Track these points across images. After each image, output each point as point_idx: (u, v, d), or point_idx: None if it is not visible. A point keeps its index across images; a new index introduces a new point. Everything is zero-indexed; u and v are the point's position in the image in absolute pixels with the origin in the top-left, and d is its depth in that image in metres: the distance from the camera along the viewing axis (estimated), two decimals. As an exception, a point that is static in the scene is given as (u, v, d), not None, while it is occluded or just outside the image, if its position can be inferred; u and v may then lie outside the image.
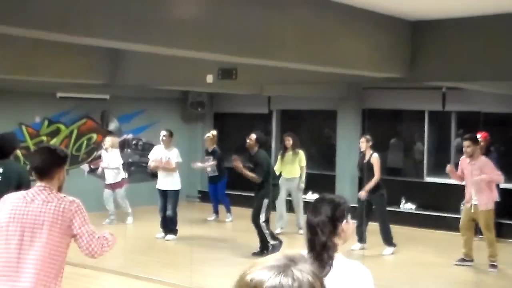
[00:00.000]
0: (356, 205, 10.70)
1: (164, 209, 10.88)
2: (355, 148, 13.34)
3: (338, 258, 3.09)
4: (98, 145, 13.31)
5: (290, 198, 11.66)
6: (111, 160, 11.98)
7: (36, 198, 4.04)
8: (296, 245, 10.70)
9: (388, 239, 10.02)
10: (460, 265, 9.22)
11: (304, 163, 11.48)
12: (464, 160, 9.23)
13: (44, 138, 12.97)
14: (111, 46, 7.05)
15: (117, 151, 12.33)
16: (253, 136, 9.77)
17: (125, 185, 12.11)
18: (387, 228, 10.03)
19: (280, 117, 15.03)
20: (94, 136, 13.69)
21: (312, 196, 13.83)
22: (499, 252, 9.23)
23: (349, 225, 3.18)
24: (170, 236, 11.01)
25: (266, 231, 9.66)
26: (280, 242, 9.74)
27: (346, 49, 6.68)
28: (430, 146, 12.98)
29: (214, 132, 12.73)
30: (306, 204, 13.03)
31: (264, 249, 9.69)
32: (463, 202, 9.44)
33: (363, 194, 9.95)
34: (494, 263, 9.03)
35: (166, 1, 4.90)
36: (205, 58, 6.78)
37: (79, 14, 4.41)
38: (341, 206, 3.16)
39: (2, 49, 8.25)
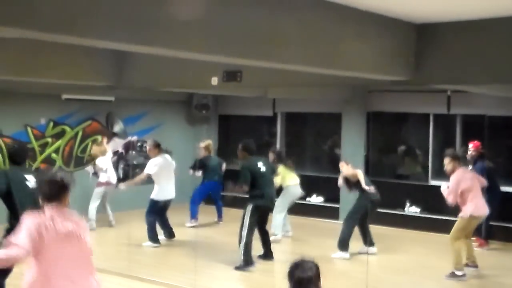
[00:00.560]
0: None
1: (160, 218, 10.92)
2: (360, 151, 13.36)
3: None
4: (103, 147, 13.35)
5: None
6: (106, 163, 12.10)
7: None
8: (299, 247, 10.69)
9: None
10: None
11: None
12: (463, 173, 9.13)
13: (49, 140, 13.00)
14: (117, 48, 7.06)
15: (109, 154, 12.54)
16: (239, 146, 9.61)
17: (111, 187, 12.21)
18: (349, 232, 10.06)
19: (285, 120, 15.03)
20: (99, 138, 13.71)
21: (316, 199, 13.84)
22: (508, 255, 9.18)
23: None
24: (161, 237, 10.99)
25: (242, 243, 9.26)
26: (251, 263, 9.30)
27: (351, 52, 6.68)
28: (435, 149, 12.96)
29: (207, 142, 12.82)
30: (310, 207, 13.07)
31: (268, 252, 9.70)
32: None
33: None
34: (454, 271, 8.97)
35: (172, 3, 4.90)
36: (210, 60, 6.78)
37: (85, 16, 4.42)
38: (318, 268, 3.78)
39: (7, 50, 8.28)
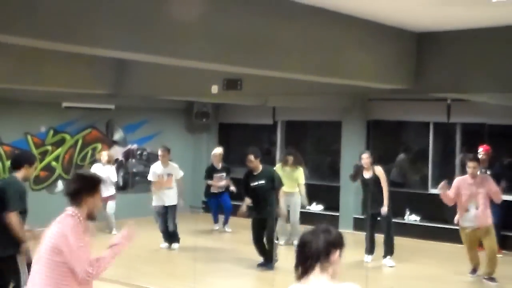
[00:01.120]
0: (362, 217, 10.72)
1: (165, 224, 10.93)
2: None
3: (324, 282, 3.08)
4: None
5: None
6: (109, 174, 11.91)
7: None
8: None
9: (391, 251, 10.02)
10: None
11: (302, 180, 11.39)
12: (464, 180, 9.08)
13: (49, 147, 12.99)
14: (117, 56, 7.07)
15: (113, 167, 12.39)
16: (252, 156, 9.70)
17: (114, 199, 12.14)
18: (392, 240, 10.02)
19: (285, 128, 15.03)
20: (99, 146, 13.70)
21: (316, 207, 13.82)
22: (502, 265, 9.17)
23: (339, 259, 3.15)
24: (175, 245, 11.07)
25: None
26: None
27: (351, 60, 6.69)
28: (434, 157, 12.96)
29: (221, 149, 12.78)
30: (310, 215, 13.03)
31: (268, 260, 9.66)
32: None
33: (385, 209, 9.90)
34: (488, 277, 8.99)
35: (172, 11, 4.91)
36: (210, 69, 6.79)
37: (85, 24, 4.42)
38: (341, 238, 3.18)
39: (8, 58, 8.29)
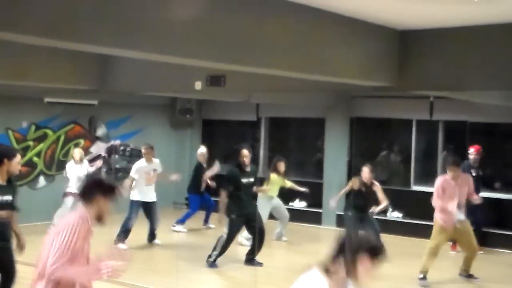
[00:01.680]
0: (342, 213, 10.77)
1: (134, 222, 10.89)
2: (342, 156, 13.39)
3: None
4: (86, 151, 13.23)
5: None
6: (83, 172, 11.74)
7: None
8: (278, 253, 10.69)
9: None
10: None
11: (289, 184, 11.72)
12: (447, 182, 9.07)
13: (31, 143, 12.91)
14: (100, 52, 7.04)
15: (86, 163, 12.24)
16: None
17: None
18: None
19: (269, 125, 15.05)
20: (82, 141, 13.64)
21: (299, 204, 13.85)
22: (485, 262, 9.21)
23: (366, 266, 3.34)
24: (157, 241, 11.08)
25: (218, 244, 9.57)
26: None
27: (334, 58, 6.70)
28: (417, 154, 13.03)
29: (205, 149, 12.80)
30: (292, 211, 13.06)
31: (257, 252, 9.65)
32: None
33: (376, 209, 10.29)
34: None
35: (156, 8, 4.90)
36: (194, 65, 6.78)
37: (69, 20, 4.40)
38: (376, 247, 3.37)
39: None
